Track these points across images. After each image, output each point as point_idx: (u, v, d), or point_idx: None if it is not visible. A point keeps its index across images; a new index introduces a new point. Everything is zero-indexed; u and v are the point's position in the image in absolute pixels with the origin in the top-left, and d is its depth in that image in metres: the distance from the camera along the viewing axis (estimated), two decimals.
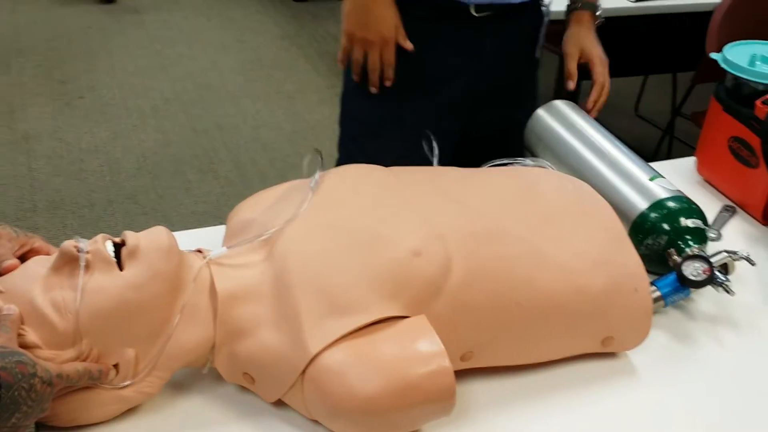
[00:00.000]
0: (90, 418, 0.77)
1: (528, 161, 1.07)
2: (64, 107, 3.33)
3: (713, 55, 1.25)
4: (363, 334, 0.76)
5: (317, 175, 0.91)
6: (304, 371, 0.75)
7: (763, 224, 1.21)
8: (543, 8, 1.40)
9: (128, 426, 0.79)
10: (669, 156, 2.91)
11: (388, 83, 1.32)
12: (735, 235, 1.17)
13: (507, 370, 0.88)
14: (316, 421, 0.79)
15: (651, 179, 1.07)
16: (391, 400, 0.72)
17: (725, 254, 0.99)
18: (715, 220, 1.20)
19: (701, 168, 1.32)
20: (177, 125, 3.25)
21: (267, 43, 4.16)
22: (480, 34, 1.32)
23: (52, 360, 0.70)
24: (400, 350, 0.75)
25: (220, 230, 1.00)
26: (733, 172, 1.22)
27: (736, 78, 1.19)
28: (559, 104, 1.25)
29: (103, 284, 0.73)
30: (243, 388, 0.83)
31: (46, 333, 0.71)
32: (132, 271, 0.74)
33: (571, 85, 1.35)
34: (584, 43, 1.36)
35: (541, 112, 1.25)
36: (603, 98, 1.34)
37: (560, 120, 1.22)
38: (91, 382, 0.73)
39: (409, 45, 1.29)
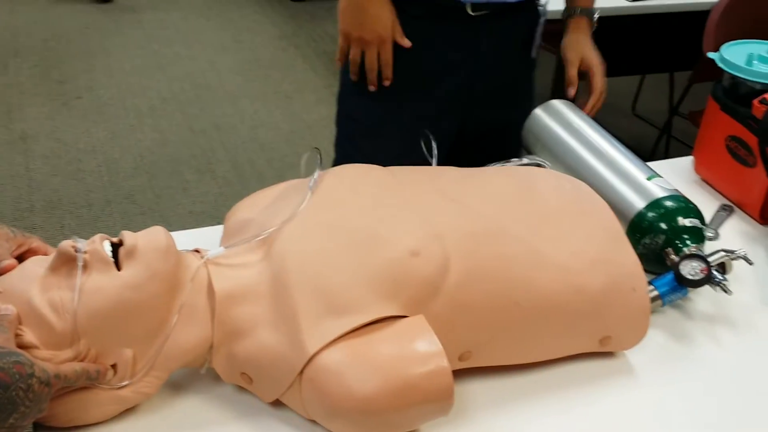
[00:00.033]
0: (88, 418, 0.76)
1: (525, 159, 1.08)
2: (61, 107, 3.33)
3: (710, 55, 1.25)
4: (361, 334, 0.76)
5: (316, 174, 0.91)
6: (302, 371, 0.75)
7: (761, 223, 1.21)
8: (540, 8, 1.40)
9: (126, 426, 0.78)
10: (666, 155, 2.91)
11: (386, 83, 1.31)
12: (732, 235, 1.18)
13: (505, 369, 0.88)
14: (314, 421, 0.79)
15: (648, 178, 1.07)
16: (389, 400, 0.72)
17: (723, 253, 0.99)
18: (713, 220, 1.20)
19: (699, 167, 1.32)
20: (174, 125, 3.24)
21: (264, 43, 4.16)
22: (476, 33, 1.32)
23: (50, 360, 0.70)
24: (398, 350, 0.75)
25: (217, 230, 1.00)
26: (730, 172, 1.22)
27: (734, 77, 1.19)
28: (557, 104, 1.25)
29: (101, 284, 0.73)
30: (241, 389, 0.83)
31: (44, 333, 0.71)
32: (130, 271, 0.74)
33: (572, 92, 1.36)
34: (584, 51, 1.36)
35: (538, 112, 1.25)
36: (599, 104, 1.36)
37: (558, 119, 1.22)
38: (88, 382, 0.73)
39: (406, 42, 1.29)
